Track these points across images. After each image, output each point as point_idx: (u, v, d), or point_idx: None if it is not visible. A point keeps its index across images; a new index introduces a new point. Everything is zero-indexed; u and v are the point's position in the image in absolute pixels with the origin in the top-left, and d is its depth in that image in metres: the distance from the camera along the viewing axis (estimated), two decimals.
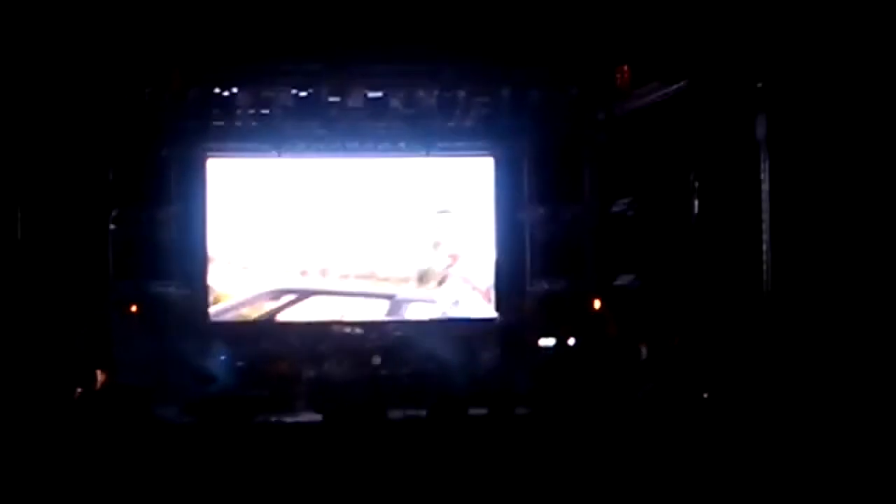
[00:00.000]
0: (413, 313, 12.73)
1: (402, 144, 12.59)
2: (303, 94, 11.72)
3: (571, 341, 11.72)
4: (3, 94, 10.16)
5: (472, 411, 10.36)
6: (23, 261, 10.48)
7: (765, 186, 9.28)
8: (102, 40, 10.44)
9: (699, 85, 10.27)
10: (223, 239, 12.58)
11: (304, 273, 12.65)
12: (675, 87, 10.62)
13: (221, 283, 12.61)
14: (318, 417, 10.41)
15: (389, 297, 12.76)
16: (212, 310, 12.48)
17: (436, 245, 12.74)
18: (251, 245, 12.65)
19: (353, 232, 12.67)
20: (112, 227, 11.71)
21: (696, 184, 10.51)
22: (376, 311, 12.66)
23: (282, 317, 12.55)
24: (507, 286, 12.52)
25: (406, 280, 12.76)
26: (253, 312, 12.62)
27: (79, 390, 10.40)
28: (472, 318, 12.54)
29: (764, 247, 9.40)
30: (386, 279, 12.73)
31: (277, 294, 12.60)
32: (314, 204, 12.67)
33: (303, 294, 12.58)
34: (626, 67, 10.96)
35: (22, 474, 7.97)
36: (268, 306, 12.62)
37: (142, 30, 10.40)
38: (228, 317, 12.54)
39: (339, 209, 12.65)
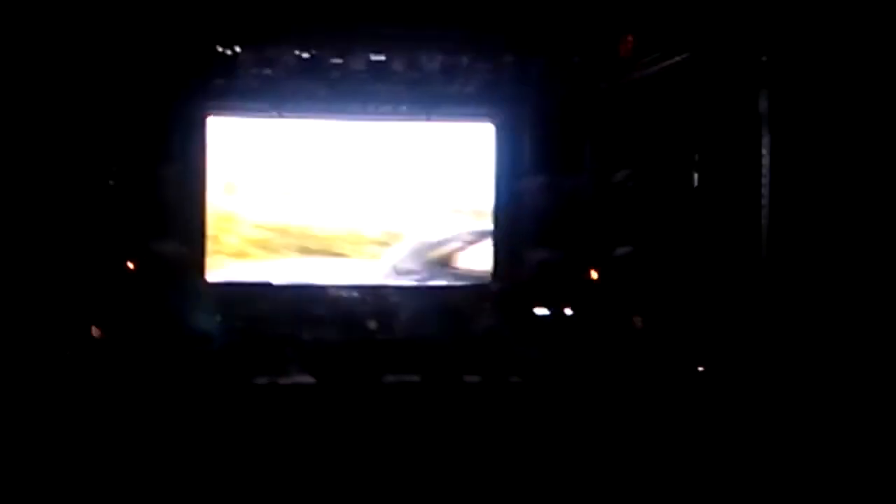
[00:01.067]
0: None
1: (403, 108, 12.67)
2: (305, 55, 11.81)
3: (568, 311, 11.86)
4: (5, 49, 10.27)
5: (467, 378, 10.52)
6: (19, 216, 10.61)
7: (765, 161, 9.34)
8: None
9: (702, 57, 10.34)
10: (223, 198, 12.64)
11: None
12: (677, 58, 10.69)
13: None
14: (311, 380, 10.56)
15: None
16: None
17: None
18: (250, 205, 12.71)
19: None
20: (110, 183, 11.72)
21: (697, 156, 10.58)
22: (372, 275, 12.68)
23: (277, 279, 12.56)
24: (505, 254, 12.56)
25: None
26: None
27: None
28: (469, 284, 12.54)
29: (763, 221, 9.47)
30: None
31: None
32: (313, 165, 12.78)
33: None
34: (629, 37, 11.04)
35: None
36: None
37: None
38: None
39: (337, 171, 12.72)
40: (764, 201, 9.43)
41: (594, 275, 11.87)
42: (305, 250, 12.87)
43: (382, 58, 11.91)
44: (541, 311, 11.90)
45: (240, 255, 12.79)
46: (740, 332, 9.70)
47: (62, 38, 10.66)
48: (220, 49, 11.71)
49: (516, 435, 8.61)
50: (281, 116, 12.61)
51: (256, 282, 12.53)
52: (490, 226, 12.84)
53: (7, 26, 10.19)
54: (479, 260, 12.80)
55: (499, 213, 12.66)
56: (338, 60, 11.91)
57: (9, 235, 10.47)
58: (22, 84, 10.48)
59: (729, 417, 8.82)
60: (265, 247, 12.82)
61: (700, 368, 9.97)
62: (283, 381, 10.52)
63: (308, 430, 8.74)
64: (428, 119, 12.73)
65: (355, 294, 12.34)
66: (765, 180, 9.45)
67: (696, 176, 10.58)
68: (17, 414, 8.58)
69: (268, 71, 11.98)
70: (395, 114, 12.75)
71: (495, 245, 12.64)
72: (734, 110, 9.97)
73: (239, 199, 12.75)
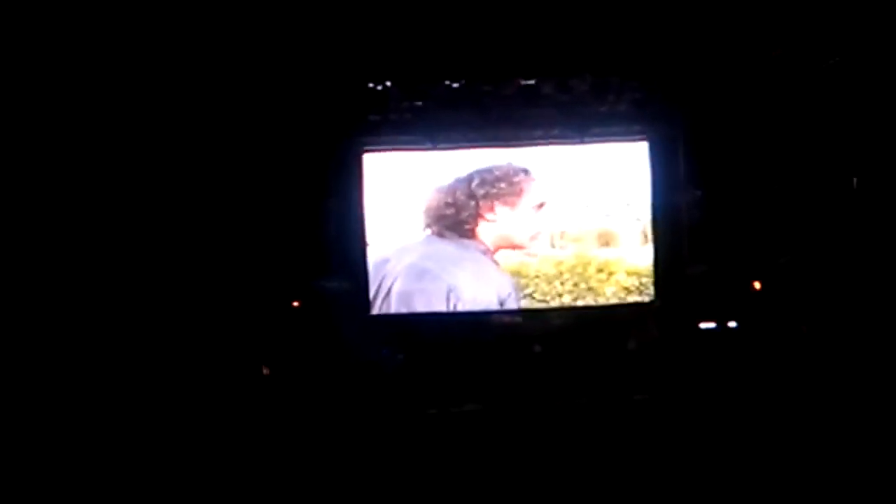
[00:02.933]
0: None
1: (555, 131, 12.80)
2: (455, 84, 12.17)
3: (732, 324, 11.92)
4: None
5: (636, 397, 10.69)
6: (188, 259, 11.17)
7: None
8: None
9: (857, 60, 10.39)
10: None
11: None
12: (831, 62, 10.75)
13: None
14: (481, 407, 10.82)
15: None
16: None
17: None
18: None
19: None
20: (274, 223, 12.19)
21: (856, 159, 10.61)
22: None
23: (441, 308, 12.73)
24: (665, 270, 12.65)
25: None
26: None
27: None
28: (632, 302, 12.66)
29: None
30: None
31: None
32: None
33: None
34: (780, 46, 11.16)
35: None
36: None
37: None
38: None
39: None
40: None
41: (757, 286, 11.92)
42: None
43: (532, 82, 12.20)
44: (706, 325, 11.99)
45: None
46: None
47: (228, 86, 11.21)
48: (372, 85, 12.16)
49: (690, 452, 8.74)
50: (435, 148, 12.85)
51: (420, 312, 12.70)
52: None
53: (181, 72, 10.79)
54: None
55: (657, 230, 12.68)
56: (488, 88, 12.24)
57: (179, 279, 11.03)
58: (195, 128, 11.07)
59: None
60: None
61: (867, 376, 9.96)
62: (454, 409, 10.80)
63: (483, 456, 9.00)
64: (581, 141, 12.82)
65: (519, 318, 12.53)
66: None
67: (855, 180, 10.61)
68: (193, 456, 9.03)
69: (419, 103, 12.39)
70: (548, 137, 12.86)
71: (656, 261, 12.67)
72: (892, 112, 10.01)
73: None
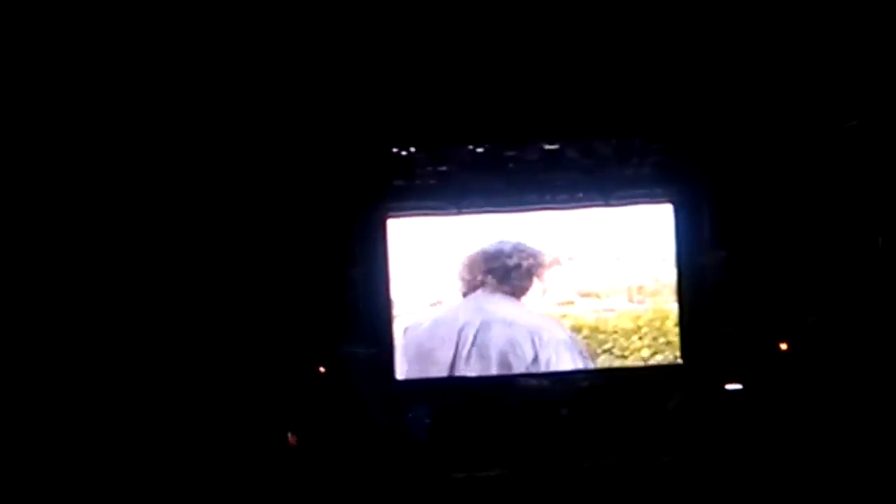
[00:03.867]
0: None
1: (580, 195, 12.95)
2: (479, 149, 12.35)
3: (760, 385, 11.93)
4: None
5: (664, 459, 10.72)
6: (215, 322, 11.32)
7: None
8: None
9: (877, 120, 10.52)
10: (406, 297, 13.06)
11: None
12: (853, 123, 10.87)
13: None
14: (508, 471, 10.88)
15: None
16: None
17: None
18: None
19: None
20: (300, 289, 12.31)
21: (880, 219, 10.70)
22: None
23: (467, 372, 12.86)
24: (692, 331, 12.73)
25: None
26: None
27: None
28: (659, 364, 12.71)
29: None
30: None
31: None
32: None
33: None
34: (802, 107, 11.30)
35: None
36: None
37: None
38: None
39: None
40: None
41: (784, 346, 11.96)
42: None
43: (556, 146, 12.37)
44: (733, 386, 12.02)
45: None
46: None
47: (256, 150, 11.41)
48: (396, 151, 12.34)
49: None
50: (459, 213, 12.99)
51: (445, 377, 12.82)
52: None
53: (212, 135, 11.01)
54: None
55: (682, 291, 12.77)
56: (512, 152, 12.41)
57: (205, 345, 11.15)
58: (218, 191, 11.25)
59: None
60: None
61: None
62: (481, 474, 10.85)
63: None
64: (606, 204, 12.96)
65: (545, 382, 12.59)
66: None
67: (880, 239, 10.69)
68: None
69: (443, 168, 12.56)
70: (572, 201, 13.01)
71: (681, 323, 12.74)
72: None
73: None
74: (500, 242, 12.92)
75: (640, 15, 10.59)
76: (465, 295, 12.97)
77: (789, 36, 10.72)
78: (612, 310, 12.93)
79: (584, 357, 12.83)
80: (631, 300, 12.97)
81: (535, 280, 12.84)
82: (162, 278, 11.24)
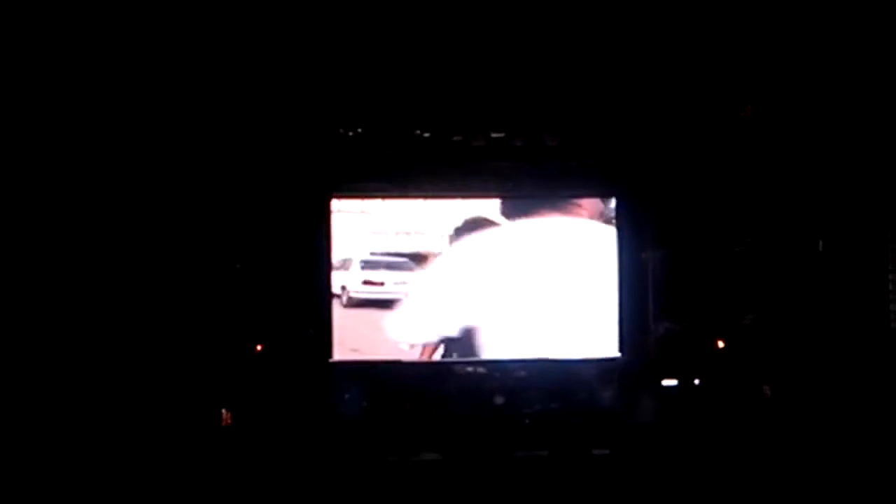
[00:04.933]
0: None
1: (525, 185, 13.04)
2: (427, 134, 12.42)
3: (696, 382, 12.14)
4: None
5: (596, 451, 10.89)
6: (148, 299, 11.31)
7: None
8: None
9: (823, 126, 10.70)
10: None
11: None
12: (797, 126, 11.07)
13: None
14: (440, 457, 10.98)
15: None
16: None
17: None
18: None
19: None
20: (237, 266, 12.36)
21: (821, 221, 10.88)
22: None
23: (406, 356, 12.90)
24: (630, 326, 12.86)
25: None
26: None
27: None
28: (595, 357, 12.83)
29: (890, 286, 9.73)
30: None
31: None
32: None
33: None
34: (749, 106, 11.48)
35: None
36: None
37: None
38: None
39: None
40: (890, 266, 9.68)
41: (720, 344, 12.13)
42: None
43: (502, 135, 12.47)
44: (668, 382, 12.20)
45: None
46: (868, 399, 9.90)
47: (190, 128, 11.40)
48: (342, 131, 12.38)
49: None
50: (404, 196, 13.05)
51: (382, 360, 12.83)
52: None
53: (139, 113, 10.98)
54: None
55: (623, 286, 12.91)
56: (458, 138, 12.48)
57: (139, 320, 11.14)
58: (160, 170, 11.23)
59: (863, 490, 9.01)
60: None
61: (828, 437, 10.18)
62: (413, 458, 10.96)
63: None
64: (551, 195, 13.06)
65: (482, 369, 12.69)
66: (891, 244, 9.72)
67: (820, 242, 10.86)
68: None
69: (390, 151, 12.59)
70: (517, 190, 13.09)
71: (620, 318, 12.86)
72: (858, 176, 10.30)
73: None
74: None
75: (588, 12, 10.66)
76: None
77: (736, 37, 10.85)
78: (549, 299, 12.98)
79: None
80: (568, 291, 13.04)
81: None
82: (100, 255, 11.19)
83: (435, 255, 12.96)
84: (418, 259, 12.98)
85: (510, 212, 13.05)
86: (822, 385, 10.62)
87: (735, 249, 12.17)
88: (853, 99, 10.56)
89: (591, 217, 13.05)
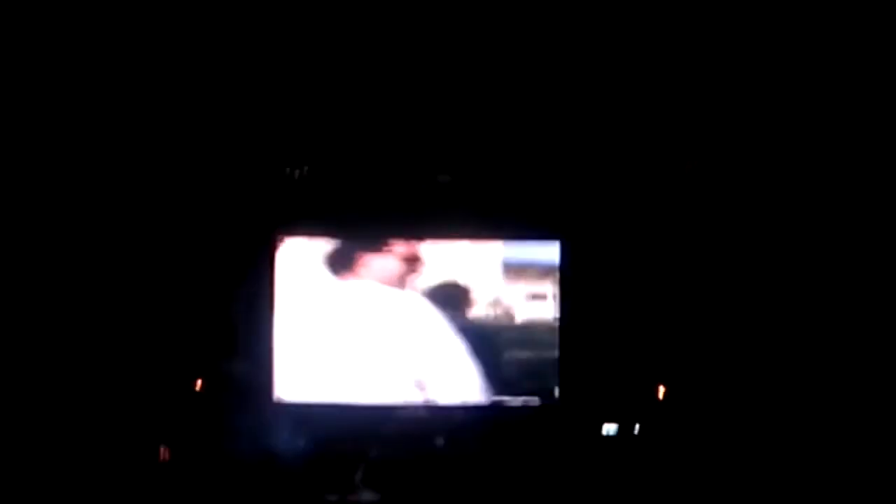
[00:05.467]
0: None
1: (469, 229, 12.99)
2: (373, 175, 12.51)
3: (636, 428, 12.22)
4: None
5: (536, 496, 10.94)
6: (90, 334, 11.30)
7: None
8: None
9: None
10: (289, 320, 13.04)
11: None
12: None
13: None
14: (378, 498, 11.00)
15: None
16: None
17: None
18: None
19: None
20: (180, 303, 12.37)
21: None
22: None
23: (347, 399, 12.86)
24: (571, 371, 12.86)
25: None
26: None
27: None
28: (538, 404, 12.86)
29: None
30: None
31: None
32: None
33: None
34: (693, 158, 11.68)
35: None
36: None
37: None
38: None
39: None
40: None
41: (662, 390, 12.22)
42: None
43: (448, 178, 12.56)
44: (608, 427, 12.26)
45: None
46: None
47: (142, 163, 11.43)
48: (289, 170, 12.44)
49: None
50: (350, 237, 13.02)
51: (324, 402, 12.80)
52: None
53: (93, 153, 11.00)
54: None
55: (564, 331, 12.96)
56: (405, 181, 12.57)
57: (80, 354, 11.13)
58: (105, 197, 11.25)
59: None
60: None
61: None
62: (352, 498, 10.97)
63: None
64: (496, 239, 13.06)
65: (424, 412, 12.71)
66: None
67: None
68: None
69: (335, 191, 12.63)
70: (462, 235, 13.05)
71: (562, 363, 12.89)
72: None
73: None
74: None
75: (536, 51, 10.78)
76: None
77: (684, 87, 11.03)
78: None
79: None
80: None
81: None
82: (39, 283, 11.19)
83: None
84: None
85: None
86: (763, 434, 10.79)
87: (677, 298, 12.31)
88: (802, 153, 10.82)
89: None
